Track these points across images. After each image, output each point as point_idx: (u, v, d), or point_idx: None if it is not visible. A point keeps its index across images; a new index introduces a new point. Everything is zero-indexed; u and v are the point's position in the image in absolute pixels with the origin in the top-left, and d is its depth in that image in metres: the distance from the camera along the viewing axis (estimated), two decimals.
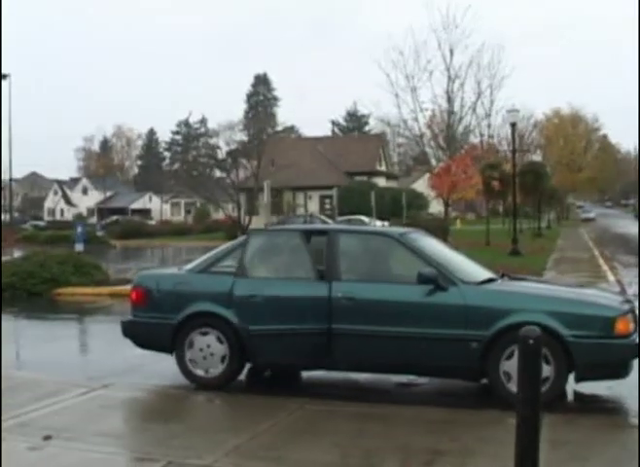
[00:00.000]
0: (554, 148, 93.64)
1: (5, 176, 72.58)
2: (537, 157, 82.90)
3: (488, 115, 65.73)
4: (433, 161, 52.67)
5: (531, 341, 5.05)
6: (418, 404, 8.81)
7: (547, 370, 8.00)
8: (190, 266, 10.27)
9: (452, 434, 7.30)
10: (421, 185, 77.54)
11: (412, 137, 54.65)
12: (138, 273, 10.60)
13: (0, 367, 10.15)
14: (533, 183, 46.34)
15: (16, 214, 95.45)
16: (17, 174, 78.56)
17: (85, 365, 11.30)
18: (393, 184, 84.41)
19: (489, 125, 70.55)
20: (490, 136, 72.93)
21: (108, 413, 8.38)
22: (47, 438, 7.18)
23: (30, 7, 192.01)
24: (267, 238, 10.25)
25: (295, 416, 8.02)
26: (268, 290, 9.45)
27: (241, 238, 10.70)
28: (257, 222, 55.03)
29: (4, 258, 30.23)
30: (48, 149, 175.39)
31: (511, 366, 8.26)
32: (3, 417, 7.79)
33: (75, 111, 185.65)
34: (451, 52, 50.43)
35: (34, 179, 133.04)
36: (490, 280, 9.41)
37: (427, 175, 57.69)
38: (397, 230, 10.93)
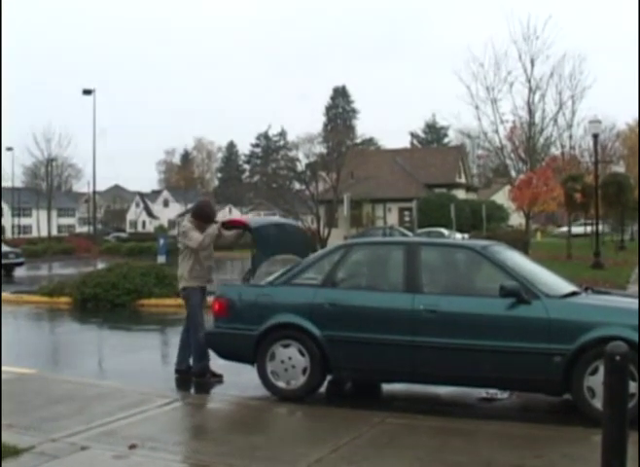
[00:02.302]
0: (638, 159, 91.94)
1: (88, 189, 73.90)
2: (620, 168, 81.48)
3: (570, 126, 64.76)
4: (513, 173, 52.16)
5: (618, 358, 4.96)
6: (500, 419, 8.72)
7: (633, 386, 7.85)
8: (273, 277, 10.34)
9: (536, 450, 7.20)
10: (501, 197, 76.91)
11: (493, 149, 54.29)
12: (220, 285, 10.69)
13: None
14: (616, 195, 45.53)
15: (99, 226, 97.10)
16: (101, 187, 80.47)
17: (168, 376, 11.42)
18: (473, 196, 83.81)
19: (571, 137, 69.50)
20: (572, 148, 71.90)
21: (191, 423, 8.49)
22: (132, 447, 7.28)
23: (113, 23, 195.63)
24: (350, 250, 10.25)
25: (376, 430, 8.00)
26: (351, 301, 9.48)
27: (324, 251, 10.74)
28: (336, 234, 55.21)
29: (88, 269, 30.79)
30: (130, 162, 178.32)
31: (595, 381, 8.14)
32: (90, 426, 7.94)
33: (156, 125, 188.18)
34: (532, 62, 49.99)
35: (117, 192, 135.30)
36: (573, 294, 9.28)
37: (507, 187, 57.15)
38: (479, 242, 10.86)
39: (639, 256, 29.57)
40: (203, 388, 10.72)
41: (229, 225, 11.49)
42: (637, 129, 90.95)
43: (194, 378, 10.98)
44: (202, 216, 11.29)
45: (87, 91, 57.65)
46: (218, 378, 10.93)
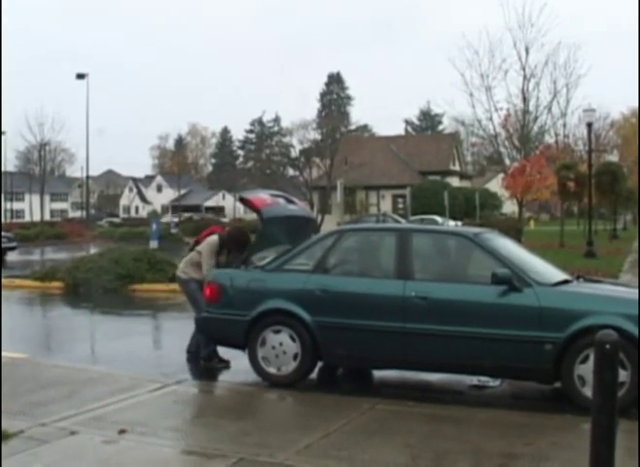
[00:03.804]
0: (632, 148, 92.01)
1: (81, 174, 73.76)
2: (614, 157, 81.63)
3: (564, 114, 64.83)
4: (507, 161, 52.11)
5: (608, 346, 4.95)
6: (491, 406, 8.73)
7: (623, 375, 7.84)
8: (264, 263, 10.32)
9: (526, 438, 7.20)
10: (495, 185, 76.98)
11: (487, 137, 54.25)
12: (212, 270, 10.68)
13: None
14: (609, 184, 45.50)
15: (92, 211, 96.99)
16: (94, 172, 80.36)
17: (159, 361, 11.43)
18: (466, 184, 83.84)
19: (565, 125, 69.63)
20: (566, 136, 72.03)
21: (181, 408, 8.47)
22: (121, 432, 7.27)
23: (107, 6, 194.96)
24: (342, 237, 10.24)
25: (366, 416, 8.01)
26: (342, 287, 9.49)
27: (316, 237, 10.73)
28: (329, 221, 55.22)
29: (80, 254, 30.75)
30: (123, 147, 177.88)
31: (585, 370, 8.15)
32: (79, 411, 7.94)
33: (150, 110, 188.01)
34: (527, 50, 49.79)
35: (110, 177, 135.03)
36: (565, 282, 9.28)
37: (501, 175, 57.22)
38: (471, 229, 10.86)
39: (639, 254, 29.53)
40: (204, 373, 10.71)
41: (243, 202, 11.39)
42: (632, 119, 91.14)
43: (202, 362, 10.97)
44: (236, 244, 11.09)
45: (80, 75, 57.51)
46: (225, 364, 10.93)
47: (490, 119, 49.91)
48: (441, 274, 9.51)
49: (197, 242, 11.39)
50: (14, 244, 42.95)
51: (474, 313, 8.88)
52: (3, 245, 41.48)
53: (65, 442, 7.05)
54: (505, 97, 50.56)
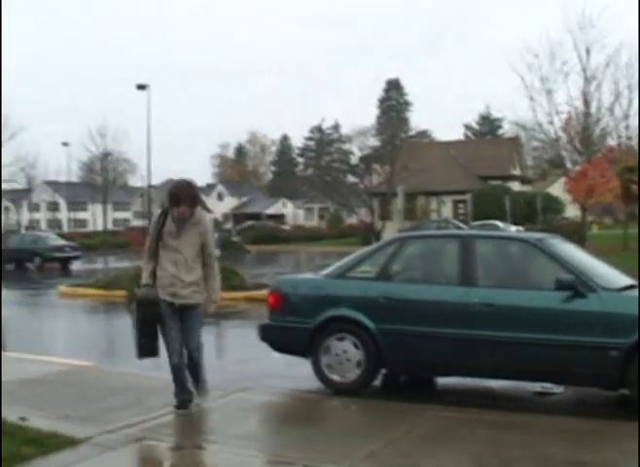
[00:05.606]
0: None
1: (143, 183, 74.53)
2: None
3: (627, 116, 63.82)
4: (569, 165, 51.59)
5: None
6: (555, 413, 8.65)
7: None
8: (327, 270, 10.35)
9: (593, 445, 7.13)
10: (557, 189, 76.11)
11: (548, 140, 53.74)
12: (276, 278, 10.72)
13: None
14: None
15: None
16: (155, 181, 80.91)
17: (223, 368, 11.49)
18: (528, 188, 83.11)
19: (627, 127, 68.52)
20: (629, 138, 70.98)
21: (246, 415, 8.50)
22: (188, 439, 7.34)
23: (167, 20, 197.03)
24: (404, 244, 10.23)
25: (430, 424, 7.98)
26: (405, 295, 9.48)
27: (378, 244, 10.73)
28: (390, 227, 55.12)
29: (141, 263, 31.08)
30: (183, 156, 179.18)
31: None
32: (146, 418, 8.02)
33: (209, 119, 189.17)
34: (588, 52, 49.16)
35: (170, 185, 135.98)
36: (631, 287, 9.16)
37: (563, 179, 56.59)
38: (534, 235, 10.77)
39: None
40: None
41: None
42: None
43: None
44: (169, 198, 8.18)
45: (141, 87, 57.92)
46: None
47: (551, 122, 49.47)
48: (504, 281, 9.42)
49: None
50: (77, 253, 43.67)
51: (538, 319, 8.80)
52: (67, 254, 42.27)
53: (132, 448, 7.14)
54: (566, 100, 50.06)
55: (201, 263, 8.32)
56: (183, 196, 8.06)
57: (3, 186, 74.25)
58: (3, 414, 7.66)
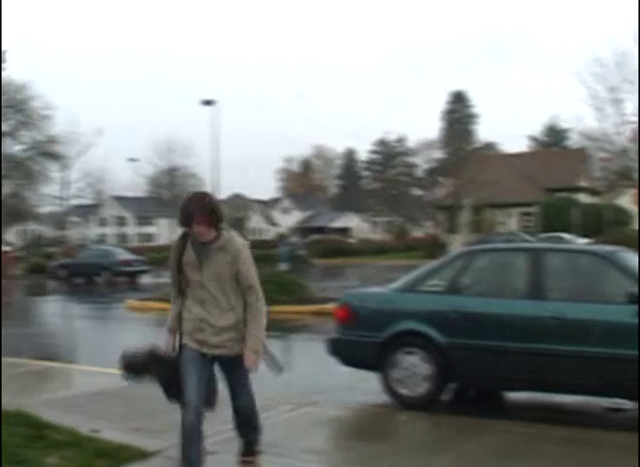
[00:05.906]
0: None
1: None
2: None
3: None
4: (637, 176, 50.91)
5: None
6: (628, 430, 8.50)
7: None
8: (396, 284, 10.33)
9: None
10: (625, 201, 75.10)
11: (615, 151, 53.09)
12: (344, 292, 10.72)
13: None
14: None
15: None
16: (221, 195, 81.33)
17: (291, 382, 11.50)
18: (595, 200, 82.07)
19: None
20: None
21: (315, 430, 8.52)
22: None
23: (233, 36, 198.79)
24: (472, 257, 10.18)
25: (500, 439, 7.92)
26: (474, 308, 9.43)
27: (447, 257, 10.68)
28: (457, 240, 54.83)
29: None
30: (248, 170, 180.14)
31: None
32: (216, 431, 8.05)
33: (274, 133, 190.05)
34: None
35: (237, 200, 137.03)
36: None
37: (632, 190, 55.81)
38: (604, 248, 10.64)
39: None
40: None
41: None
42: None
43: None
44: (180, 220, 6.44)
45: (207, 102, 58.42)
46: None
47: (619, 133, 48.88)
48: (574, 294, 9.31)
49: None
50: (145, 267, 44.15)
51: (608, 333, 8.69)
52: (135, 268, 42.81)
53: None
54: (634, 111, 49.44)
55: (242, 301, 6.63)
56: (197, 212, 6.18)
57: (72, 201, 75.58)
58: (75, 426, 7.79)
